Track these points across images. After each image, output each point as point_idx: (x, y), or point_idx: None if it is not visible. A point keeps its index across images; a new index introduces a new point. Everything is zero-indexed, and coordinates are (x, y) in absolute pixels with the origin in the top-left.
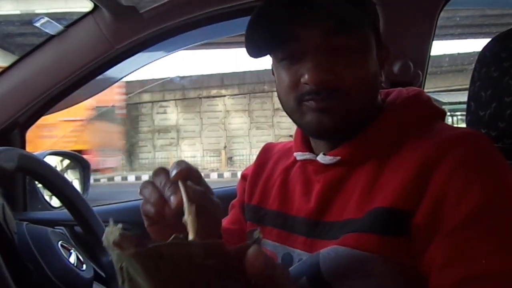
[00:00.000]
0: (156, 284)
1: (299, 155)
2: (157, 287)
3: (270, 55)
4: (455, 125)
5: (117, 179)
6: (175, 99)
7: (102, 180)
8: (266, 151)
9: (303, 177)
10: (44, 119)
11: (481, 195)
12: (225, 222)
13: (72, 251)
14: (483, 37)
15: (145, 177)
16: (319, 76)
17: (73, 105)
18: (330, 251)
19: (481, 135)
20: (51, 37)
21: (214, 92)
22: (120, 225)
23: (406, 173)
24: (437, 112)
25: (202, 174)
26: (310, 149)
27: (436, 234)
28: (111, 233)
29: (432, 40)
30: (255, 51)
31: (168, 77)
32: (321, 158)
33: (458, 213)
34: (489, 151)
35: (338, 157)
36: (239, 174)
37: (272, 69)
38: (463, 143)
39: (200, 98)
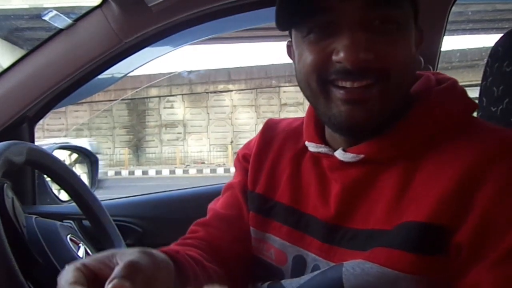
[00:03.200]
0: None
1: (312, 147)
2: None
3: (294, 31)
4: None
5: (124, 173)
6: (182, 94)
7: (109, 174)
8: (270, 129)
9: (317, 172)
10: None
11: None
12: (218, 205)
13: (80, 244)
14: (494, 32)
15: (152, 171)
16: (357, 54)
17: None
18: (355, 266)
19: None
20: (60, 31)
21: (221, 87)
22: None
23: (445, 184)
24: (472, 107)
25: (209, 169)
26: (324, 139)
27: (481, 259)
28: None
29: (443, 35)
30: (285, 20)
31: (176, 72)
32: (340, 155)
33: (508, 240)
34: None
35: (362, 155)
36: None
37: (290, 51)
38: (510, 153)
39: (207, 93)
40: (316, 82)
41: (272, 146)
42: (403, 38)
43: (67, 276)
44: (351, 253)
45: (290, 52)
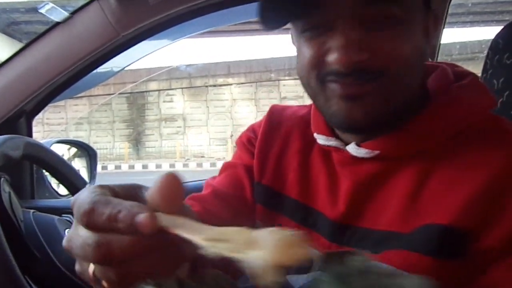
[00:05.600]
0: None
1: (321, 139)
2: None
3: (292, 25)
4: None
5: (124, 167)
6: (181, 88)
7: (109, 168)
8: (275, 116)
9: (326, 166)
10: None
11: None
12: (216, 182)
13: None
14: (494, 25)
15: (152, 165)
16: (350, 56)
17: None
18: None
19: None
20: (56, 24)
21: (220, 80)
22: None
23: (472, 188)
24: (493, 103)
25: (209, 163)
26: (334, 132)
27: (505, 259)
28: None
29: (443, 27)
30: (271, 21)
31: (174, 66)
32: (353, 150)
33: None
34: None
35: (377, 151)
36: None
37: (293, 42)
38: None
39: (207, 86)
40: (315, 79)
41: (278, 134)
42: (403, 32)
43: (88, 193)
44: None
45: (293, 42)
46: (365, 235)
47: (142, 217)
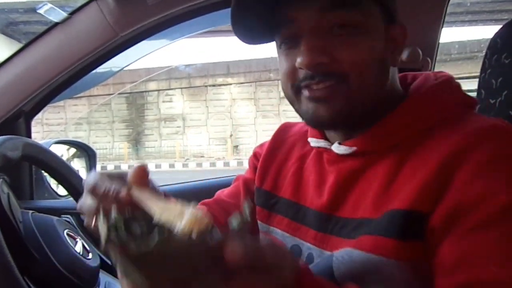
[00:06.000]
0: (148, 277)
1: (313, 142)
2: (150, 280)
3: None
4: None
5: (124, 167)
6: (181, 88)
7: (108, 168)
8: (282, 132)
9: (317, 167)
10: None
11: (506, 197)
12: (223, 194)
13: (78, 239)
14: (493, 24)
15: (151, 165)
16: (312, 58)
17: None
18: (344, 254)
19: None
20: (55, 24)
21: (220, 80)
22: (112, 218)
23: (426, 172)
24: (469, 101)
25: (208, 163)
26: (325, 136)
27: (450, 235)
28: (101, 229)
29: (442, 26)
30: (248, 37)
31: (173, 66)
32: (335, 148)
33: (477, 214)
34: None
35: (354, 148)
36: (245, 163)
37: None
38: (490, 139)
39: (206, 86)
40: (290, 89)
41: (282, 148)
42: (362, 40)
43: (94, 175)
44: (342, 241)
45: None
46: (345, 223)
47: (122, 192)
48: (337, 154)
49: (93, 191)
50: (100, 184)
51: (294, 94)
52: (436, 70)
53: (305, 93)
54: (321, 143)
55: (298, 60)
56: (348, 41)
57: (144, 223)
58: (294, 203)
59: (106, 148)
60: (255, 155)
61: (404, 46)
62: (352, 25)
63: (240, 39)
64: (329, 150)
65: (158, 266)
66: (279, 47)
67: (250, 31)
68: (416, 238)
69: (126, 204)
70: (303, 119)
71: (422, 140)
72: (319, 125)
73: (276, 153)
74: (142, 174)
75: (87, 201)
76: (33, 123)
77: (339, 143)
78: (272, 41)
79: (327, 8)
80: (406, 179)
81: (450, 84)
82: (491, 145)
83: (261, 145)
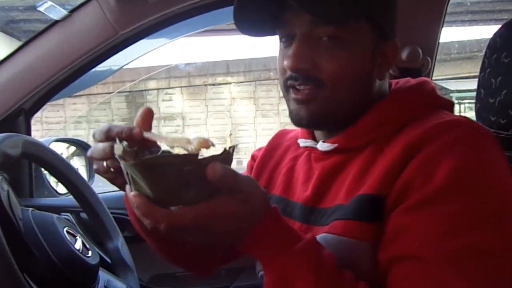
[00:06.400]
0: (150, 184)
1: (302, 142)
2: (151, 187)
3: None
4: (462, 113)
5: None
6: (180, 87)
7: None
8: (279, 137)
9: (306, 165)
10: None
11: (441, 181)
12: None
13: (77, 237)
14: (493, 24)
15: None
16: (296, 63)
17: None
18: (321, 239)
19: (473, 124)
20: (55, 22)
21: (219, 79)
22: (124, 143)
23: (389, 160)
24: (442, 102)
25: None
26: (314, 137)
27: (392, 215)
28: (118, 148)
29: (442, 26)
30: (250, 29)
31: (172, 64)
32: (320, 146)
33: (416, 195)
34: (475, 140)
35: (335, 145)
36: (244, 162)
37: None
38: (446, 131)
39: (206, 85)
40: (283, 85)
41: (277, 151)
42: (345, 53)
43: (105, 124)
44: (320, 229)
45: None
46: (325, 213)
47: (135, 130)
48: (322, 152)
49: (108, 133)
50: (112, 128)
51: (285, 92)
52: (435, 70)
53: (292, 94)
54: (309, 142)
55: (285, 62)
56: (332, 52)
57: (154, 151)
58: (284, 199)
59: None
60: (253, 157)
61: (394, 62)
62: (338, 39)
63: (242, 31)
64: (315, 149)
65: (156, 175)
66: (280, 40)
67: (253, 24)
68: (378, 220)
69: (138, 139)
70: (290, 118)
71: (394, 136)
72: (299, 124)
73: (271, 155)
74: (148, 117)
75: (98, 146)
76: (32, 121)
77: (323, 141)
78: (274, 35)
79: (317, 22)
80: (375, 169)
81: (422, 86)
82: (445, 137)
83: (259, 149)
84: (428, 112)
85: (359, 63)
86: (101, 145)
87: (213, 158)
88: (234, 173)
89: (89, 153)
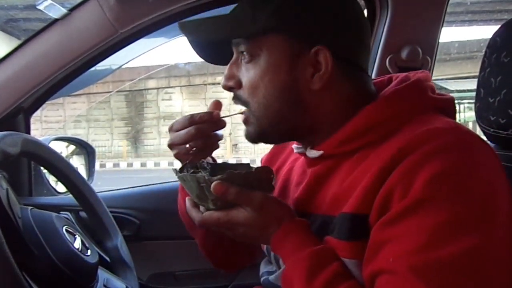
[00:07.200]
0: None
1: (295, 148)
2: (190, 194)
3: None
4: (462, 113)
5: (123, 165)
6: (180, 86)
7: (108, 166)
8: (281, 144)
9: (301, 169)
10: None
11: (420, 194)
12: None
13: (77, 236)
14: (493, 23)
15: (150, 163)
16: (224, 83)
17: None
18: None
19: (460, 130)
20: (55, 20)
21: (219, 78)
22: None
23: (370, 177)
24: (437, 103)
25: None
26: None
27: (373, 231)
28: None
29: (442, 26)
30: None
31: (172, 63)
32: (308, 152)
33: (397, 206)
34: (458, 147)
35: (321, 152)
36: (244, 161)
37: None
38: (428, 141)
39: (206, 84)
40: None
41: (281, 154)
42: (258, 68)
43: (184, 115)
44: None
45: None
46: (314, 219)
47: (214, 112)
48: (314, 158)
49: (190, 119)
50: (194, 115)
51: None
52: (435, 70)
53: None
54: (300, 148)
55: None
56: (247, 66)
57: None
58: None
59: (105, 146)
60: (261, 161)
61: (329, 69)
62: (251, 54)
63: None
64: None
65: (185, 186)
66: None
67: (214, 53)
68: (363, 238)
69: (216, 120)
70: None
71: (381, 143)
72: (251, 142)
73: (276, 157)
74: (217, 106)
75: (180, 132)
76: (32, 120)
77: (311, 148)
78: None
79: (235, 42)
80: (354, 182)
81: (415, 89)
82: (425, 147)
83: (267, 154)
84: (418, 116)
85: (276, 76)
86: (184, 130)
87: (221, 178)
88: (236, 190)
89: (169, 141)
